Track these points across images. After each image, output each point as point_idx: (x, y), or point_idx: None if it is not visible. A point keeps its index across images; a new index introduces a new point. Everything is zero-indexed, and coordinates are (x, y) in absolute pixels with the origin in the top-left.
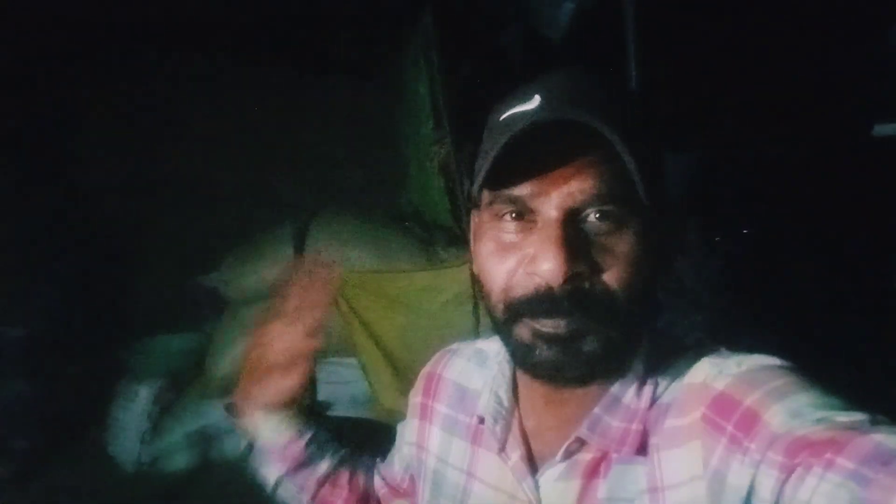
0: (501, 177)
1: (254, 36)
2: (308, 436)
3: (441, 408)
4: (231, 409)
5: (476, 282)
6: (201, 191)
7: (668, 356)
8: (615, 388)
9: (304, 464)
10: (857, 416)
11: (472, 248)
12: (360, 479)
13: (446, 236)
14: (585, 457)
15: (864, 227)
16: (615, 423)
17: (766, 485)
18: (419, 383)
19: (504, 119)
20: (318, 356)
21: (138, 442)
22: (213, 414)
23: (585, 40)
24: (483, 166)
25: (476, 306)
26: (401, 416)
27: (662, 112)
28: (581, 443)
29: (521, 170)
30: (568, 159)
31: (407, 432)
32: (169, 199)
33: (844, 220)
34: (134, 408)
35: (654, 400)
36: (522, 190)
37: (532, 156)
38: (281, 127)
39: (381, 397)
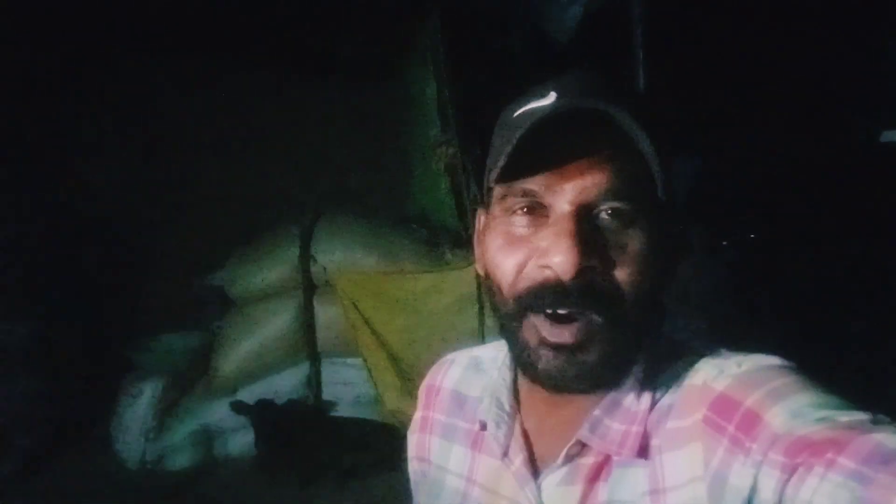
0: (516, 170)
1: (260, 38)
2: None
3: (441, 417)
4: (236, 408)
5: (481, 284)
6: (207, 191)
7: (668, 358)
8: (616, 391)
9: None
10: (858, 416)
11: (476, 249)
12: None
13: (451, 238)
14: (587, 461)
15: (870, 231)
16: (615, 426)
17: (768, 485)
18: (419, 397)
19: (519, 115)
20: (323, 356)
21: (143, 440)
22: (217, 412)
23: (592, 42)
24: (499, 159)
25: (481, 308)
26: (405, 416)
27: (668, 115)
28: (582, 446)
29: (536, 164)
30: (582, 154)
31: (409, 448)
32: (174, 199)
33: (850, 225)
34: (139, 406)
35: (654, 402)
36: (536, 184)
37: (547, 150)
38: (286, 128)
39: (385, 398)
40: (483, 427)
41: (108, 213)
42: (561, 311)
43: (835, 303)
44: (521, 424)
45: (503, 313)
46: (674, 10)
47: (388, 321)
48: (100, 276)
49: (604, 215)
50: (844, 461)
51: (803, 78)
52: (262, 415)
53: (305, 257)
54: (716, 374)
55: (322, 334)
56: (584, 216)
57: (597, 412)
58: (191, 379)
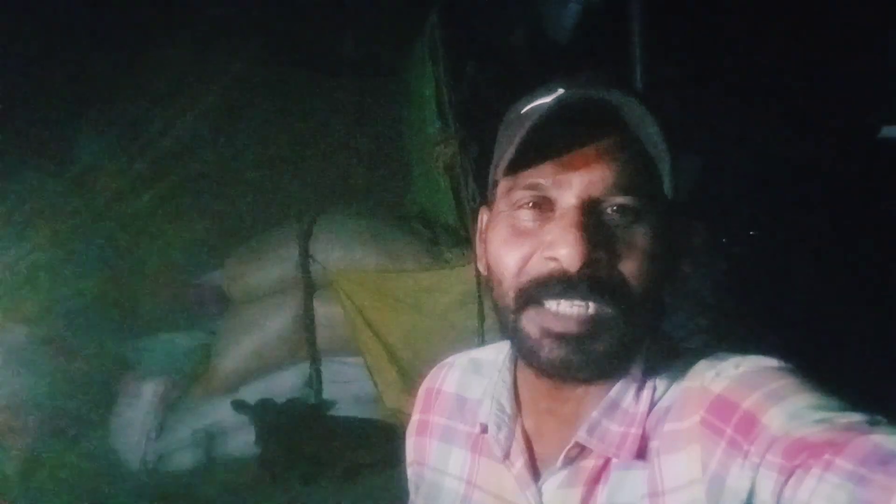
0: (523, 163)
1: (261, 36)
2: None
3: (440, 420)
4: (236, 407)
5: (481, 282)
6: (207, 190)
7: (666, 359)
8: (614, 392)
9: None
10: (856, 417)
11: (478, 246)
12: None
13: (451, 236)
14: (587, 463)
15: (870, 228)
16: (614, 428)
17: (766, 487)
18: (418, 400)
19: (527, 110)
20: (323, 355)
21: (143, 440)
22: (217, 412)
23: (590, 41)
24: (508, 151)
25: (480, 306)
26: (405, 415)
27: (668, 113)
28: (581, 448)
29: (544, 157)
30: (590, 149)
31: (407, 452)
32: (174, 198)
33: (850, 222)
34: (139, 406)
35: (653, 404)
36: (543, 177)
37: (554, 144)
38: (286, 126)
39: (385, 396)
40: (484, 430)
41: (108, 213)
42: (566, 303)
43: (835, 301)
44: (522, 426)
45: (503, 306)
46: (672, 9)
47: (388, 320)
48: (99, 276)
49: (610, 211)
50: (842, 462)
51: (802, 75)
52: (263, 414)
53: (305, 257)
54: (713, 375)
55: (322, 333)
56: (590, 210)
57: (595, 414)
58: (191, 379)
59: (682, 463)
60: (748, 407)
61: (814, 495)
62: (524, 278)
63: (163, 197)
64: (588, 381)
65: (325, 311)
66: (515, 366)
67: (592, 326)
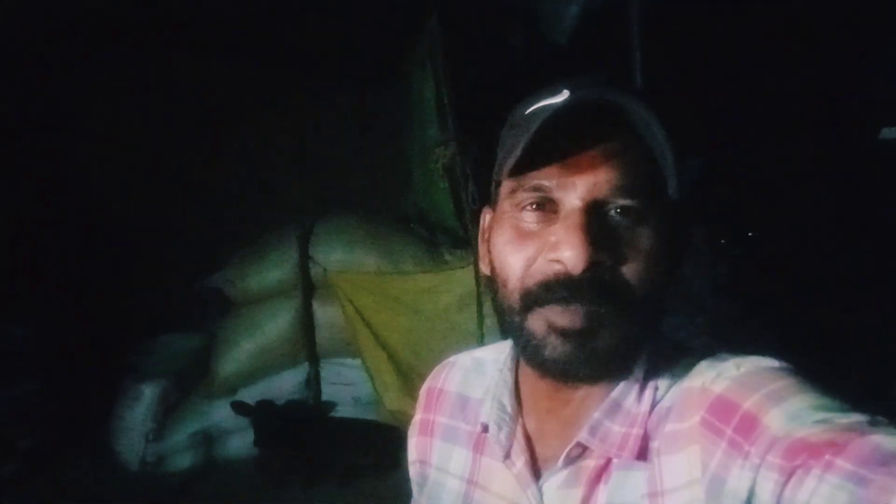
0: (530, 163)
1: (260, 40)
2: None
3: (442, 419)
4: (236, 409)
5: (480, 283)
6: (207, 192)
7: (667, 359)
8: (616, 393)
9: None
10: (856, 418)
11: (480, 247)
12: None
13: (451, 238)
14: (588, 463)
15: (870, 229)
16: (616, 428)
17: (766, 488)
18: (420, 399)
19: (532, 111)
20: (322, 356)
21: (143, 441)
22: (217, 413)
23: (590, 43)
24: (514, 151)
25: (480, 308)
26: (404, 416)
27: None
28: (582, 448)
29: (548, 158)
30: (594, 151)
31: (410, 452)
32: (175, 200)
33: (850, 223)
34: (139, 407)
35: (654, 404)
36: (548, 178)
37: (559, 145)
38: (286, 129)
39: (385, 398)
40: (485, 429)
41: (109, 214)
42: (570, 305)
43: (835, 301)
44: (523, 426)
45: (507, 307)
46: (672, 9)
47: (387, 321)
48: (100, 278)
49: (614, 212)
50: (842, 463)
51: (802, 76)
52: (263, 415)
53: (305, 258)
54: (714, 376)
55: (322, 335)
56: (594, 212)
57: (597, 414)
58: (191, 380)
59: (683, 463)
60: (748, 408)
61: (814, 496)
62: (529, 281)
63: (164, 198)
64: (589, 380)
65: (325, 312)
66: (517, 366)
67: (596, 323)
